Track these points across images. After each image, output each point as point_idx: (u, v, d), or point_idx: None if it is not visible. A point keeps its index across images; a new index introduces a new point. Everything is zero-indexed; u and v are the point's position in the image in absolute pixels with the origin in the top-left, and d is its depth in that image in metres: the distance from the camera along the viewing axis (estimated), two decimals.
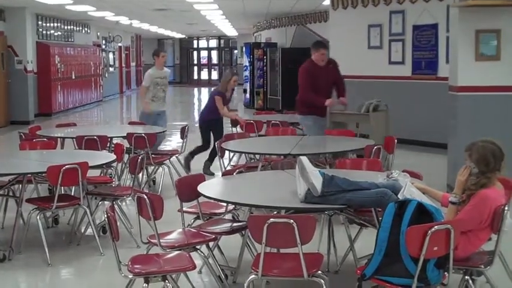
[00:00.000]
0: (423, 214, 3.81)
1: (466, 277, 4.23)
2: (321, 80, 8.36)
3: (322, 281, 4.00)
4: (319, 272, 4.04)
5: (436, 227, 3.64)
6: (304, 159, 4.45)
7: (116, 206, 6.23)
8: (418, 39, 12.50)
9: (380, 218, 4.01)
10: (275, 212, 4.56)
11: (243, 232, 5.21)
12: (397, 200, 4.06)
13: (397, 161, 7.26)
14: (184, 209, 5.22)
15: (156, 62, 10.29)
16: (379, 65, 13.09)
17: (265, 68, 21.15)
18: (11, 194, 6.85)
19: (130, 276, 4.14)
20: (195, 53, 42.74)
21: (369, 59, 13.29)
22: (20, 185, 6.43)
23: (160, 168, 8.77)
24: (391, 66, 13.03)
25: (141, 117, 10.45)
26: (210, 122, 9.80)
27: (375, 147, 6.71)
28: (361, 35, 13.45)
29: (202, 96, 32.19)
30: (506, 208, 4.14)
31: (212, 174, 9.12)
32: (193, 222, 5.49)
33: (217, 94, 9.77)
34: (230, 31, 33.38)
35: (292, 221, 3.88)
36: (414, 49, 12.58)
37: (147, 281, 4.12)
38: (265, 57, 21.11)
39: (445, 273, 3.86)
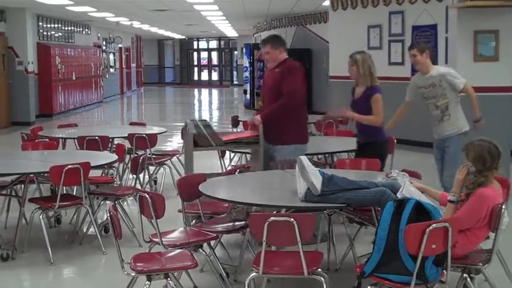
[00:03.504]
0: (421, 213, 3.85)
1: (464, 275, 4.28)
2: (264, 85, 6.60)
3: (322, 278, 4.05)
4: (319, 269, 4.09)
5: (434, 225, 3.69)
6: (304, 159, 4.51)
7: (117, 206, 6.29)
8: (417, 39, 12.54)
9: (379, 217, 4.06)
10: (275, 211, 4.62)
11: (244, 231, 5.27)
12: (395, 198, 4.11)
13: (396, 161, 7.31)
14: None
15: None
16: (378, 65, 13.05)
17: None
18: (13, 193, 6.92)
19: (132, 274, 4.19)
20: (195, 53, 42.80)
21: None
22: (23, 185, 6.49)
23: (162, 169, 8.82)
24: (391, 66, 13.08)
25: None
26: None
27: None
28: (361, 35, 13.51)
29: (202, 97, 32.28)
30: (503, 207, 4.21)
31: None
32: (194, 221, 5.55)
33: (378, 91, 6.41)
34: (230, 32, 33.42)
35: (292, 219, 3.93)
36: None
37: (149, 279, 4.18)
38: None
39: (444, 271, 3.92)
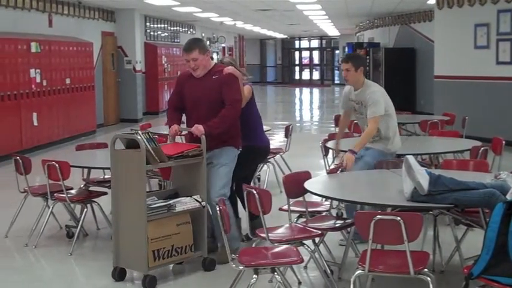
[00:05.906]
0: None
1: None
2: (189, 93, 5.92)
3: (428, 278, 4.03)
4: (425, 269, 4.08)
5: None
6: (411, 158, 4.50)
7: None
8: None
9: (487, 219, 4.00)
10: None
11: (348, 229, 5.31)
12: (505, 200, 4.04)
13: (505, 162, 7.14)
14: (286, 206, 5.34)
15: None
16: (485, 65, 12.83)
17: (368, 68, 21.03)
18: None
19: (240, 268, 4.30)
20: (297, 53, 42.96)
21: (475, 59, 13.05)
22: None
23: (265, 166, 8.93)
24: (499, 66, 12.74)
25: None
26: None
27: (482, 148, 6.64)
28: (467, 34, 13.23)
29: (303, 96, 32.37)
30: None
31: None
32: (298, 218, 5.62)
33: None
34: (332, 31, 33.36)
35: (399, 218, 3.94)
36: None
37: (256, 273, 4.28)
38: (368, 57, 21.01)
39: None
